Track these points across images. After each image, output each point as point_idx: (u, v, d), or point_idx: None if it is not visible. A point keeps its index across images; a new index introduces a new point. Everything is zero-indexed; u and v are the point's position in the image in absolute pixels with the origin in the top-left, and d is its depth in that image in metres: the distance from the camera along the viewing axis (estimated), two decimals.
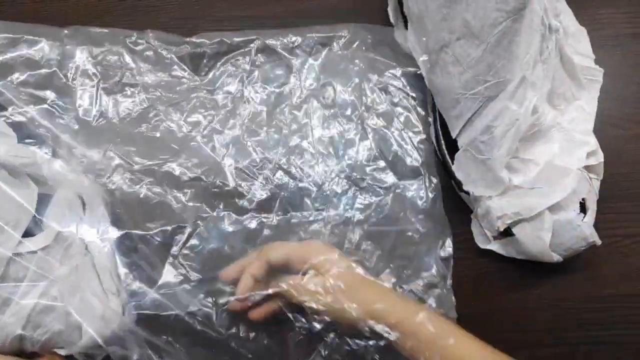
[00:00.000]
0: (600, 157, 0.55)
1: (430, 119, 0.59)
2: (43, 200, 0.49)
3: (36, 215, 0.47)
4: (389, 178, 0.57)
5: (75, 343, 0.47)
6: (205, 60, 0.60)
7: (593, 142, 0.54)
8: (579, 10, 0.57)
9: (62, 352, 0.48)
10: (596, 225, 0.54)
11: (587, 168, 0.54)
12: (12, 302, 0.46)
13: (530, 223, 0.53)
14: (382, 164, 0.58)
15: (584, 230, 0.52)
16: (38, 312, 0.46)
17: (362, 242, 0.55)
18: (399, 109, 0.60)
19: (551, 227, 0.52)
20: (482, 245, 0.57)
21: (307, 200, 0.56)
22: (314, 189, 0.56)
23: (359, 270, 0.49)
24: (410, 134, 0.59)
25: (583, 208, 0.53)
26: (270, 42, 0.60)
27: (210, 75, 0.59)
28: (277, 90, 0.59)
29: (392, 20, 0.61)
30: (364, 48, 0.61)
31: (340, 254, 0.49)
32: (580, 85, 0.55)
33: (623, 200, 0.59)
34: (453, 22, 0.50)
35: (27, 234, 0.47)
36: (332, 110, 0.59)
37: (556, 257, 0.53)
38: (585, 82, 0.55)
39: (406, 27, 0.58)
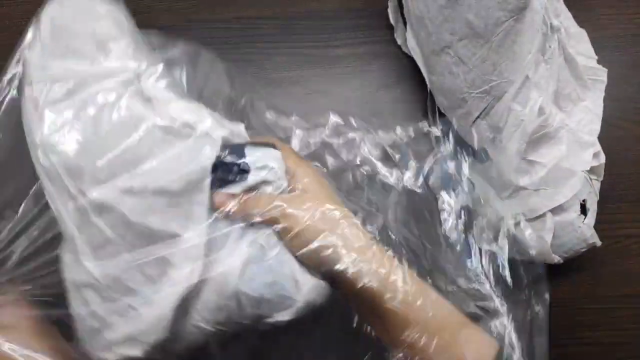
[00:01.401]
0: (601, 159, 0.54)
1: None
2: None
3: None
4: None
5: (292, 298, 0.40)
6: None
7: (597, 144, 0.54)
8: (579, 11, 0.57)
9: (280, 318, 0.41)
10: (596, 226, 0.54)
11: (588, 169, 0.54)
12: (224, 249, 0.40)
13: (532, 224, 0.53)
14: None
15: (584, 231, 0.52)
16: (248, 262, 0.40)
17: None
18: None
19: (552, 228, 0.52)
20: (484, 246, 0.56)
21: None
22: None
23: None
24: None
25: (583, 209, 0.53)
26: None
27: None
28: None
29: (392, 21, 0.61)
30: None
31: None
32: (585, 85, 0.54)
33: (623, 201, 0.59)
34: (455, 23, 0.49)
35: None
36: None
37: (556, 259, 0.53)
38: (590, 82, 0.55)
39: (406, 28, 0.58)
